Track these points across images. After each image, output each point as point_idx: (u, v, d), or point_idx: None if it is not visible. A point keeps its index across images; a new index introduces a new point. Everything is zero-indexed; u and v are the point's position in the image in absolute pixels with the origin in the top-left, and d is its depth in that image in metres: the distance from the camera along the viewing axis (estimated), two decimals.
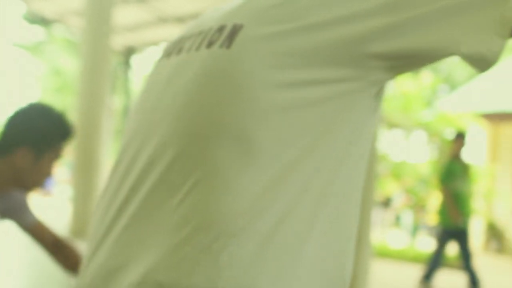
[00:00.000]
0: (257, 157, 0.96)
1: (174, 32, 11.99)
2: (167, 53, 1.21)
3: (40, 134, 2.21)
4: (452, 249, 8.64)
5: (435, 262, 7.67)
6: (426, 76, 16.44)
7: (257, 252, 0.94)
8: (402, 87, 15.06)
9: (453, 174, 7.48)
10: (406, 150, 14.39)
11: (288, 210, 0.96)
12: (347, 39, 0.96)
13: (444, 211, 7.45)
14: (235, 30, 1.05)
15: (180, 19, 11.90)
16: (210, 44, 1.07)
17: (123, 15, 11.83)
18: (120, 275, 1.02)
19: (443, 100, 17.73)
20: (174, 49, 1.19)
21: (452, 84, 26.10)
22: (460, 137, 7.69)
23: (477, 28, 0.93)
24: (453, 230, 7.45)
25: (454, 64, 27.25)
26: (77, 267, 2.43)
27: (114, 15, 9.95)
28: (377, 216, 18.04)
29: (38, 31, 25.70)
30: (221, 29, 1.08)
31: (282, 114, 0.97)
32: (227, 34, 1.05)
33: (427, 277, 7.65)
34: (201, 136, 1.00)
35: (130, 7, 11.52)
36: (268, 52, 1.00)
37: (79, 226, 10.28)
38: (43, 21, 14.31)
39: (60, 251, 2.46)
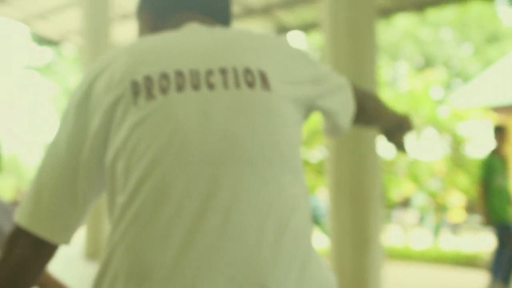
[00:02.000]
0: (299, 174, 1.33)
1: None
2: (179, 87, 1.29)
3: None
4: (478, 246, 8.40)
5: (500, 262, 7.25)
6: (434, 73, 16.25)
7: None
8: (409, 86, 14.89)
9: (493, 170, 7.30)
10: (418, 149, 14.22)
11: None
12: (308, 96, 1.43)
13: (493, 208, 7.20)
14: (264, 75, 1.34)
15: None
16: (251, 85, 1.31)
17: (122, 31, 11.78)
18: None
19: (454, 95, 17.56)
20: (184, 84, 1.29)
21: (465, 79, 25.84)
22: (499, 131, 7.49)
23: (348, 107, 1.58)
24: (505, 224, 7.19)
25: (466, 58, 27.02)
26: None
27: (113, 31, 9.90)
28: (397, 217, 17.85)
29: (47, 52, 25.82)
30: (248, 71, 1.33)
31: (298, 143, 1.37)
32: (260, 78, 1.33)
33: (505, 279, 7.20)
34: (266, 163, 1.26)
35: (130, 22, 11.46)
36: (290, 97, 1.37)
37: (94, 247, 10.22)
38: (50, 42, 14.30)
39: None
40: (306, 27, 11.57)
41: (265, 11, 10.66)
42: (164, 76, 1.30)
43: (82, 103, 1.33)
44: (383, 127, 1.85)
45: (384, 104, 1.80)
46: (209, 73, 1.31)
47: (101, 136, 1.31)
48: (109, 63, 1.36)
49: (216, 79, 1.31)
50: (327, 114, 1.53)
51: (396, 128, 1.86)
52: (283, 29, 11.24)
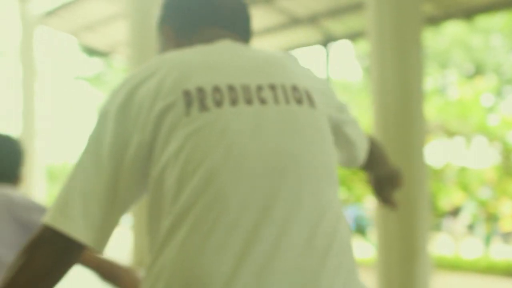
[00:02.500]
0: (337, 187, 1.39)
1: None
2: (233, 101, 1.32)
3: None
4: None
5: None
6: (484, 80, 16.03)
7: None
8: (459, 94, 14.71)
9: None
10: (468, 157, 14.06)
11: None
12: (337, 119, 1.54)
13: None
14: (309, 93, 1.41)
15: None
16: (299, 102, 1.38)
17: None
18: None
19: (505, 102, 17.30)
20: (237, 98, 1.33)
21: None
22: None
23: (364, 141, 1.72)
24: None
25: None
26: None
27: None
28: (447, 226, 17.62)
29: (97, 62, 26.13)
30: (295, 88, 1.40)
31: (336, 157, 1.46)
32: (306, 95, 1.40)
33: None
34: (316, 176, 1.33)
35: None
36: (327, 117, 1.46)
37: (140, 257, 10.28)
38: (100, 53, 14.47)
39: None
40: (353, 36, 11.49)
41: (312, 20, 10.62)
42: (216, 89, 1.33)
43: (124, 107, 1.33)
44: (376, 175, 1.91)
45: (384, 150, 1.89)
46: (259, 88, 1.36)
47: (146, 143, 1.31)
48: (154, 71, 1.36)
49: (267, 94, 1.35)
50: (348, 143, 1.63)
51: (387, 181, 1.90)
52: (330, 38, 11.19)
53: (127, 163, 1.31)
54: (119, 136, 1.31)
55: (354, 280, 1.31)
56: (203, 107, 1.30)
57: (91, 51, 20.99)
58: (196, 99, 1.31)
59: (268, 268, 1.20)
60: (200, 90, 1.32)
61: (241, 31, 1.61)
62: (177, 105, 1.30)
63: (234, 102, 1.32)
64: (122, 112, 1.33)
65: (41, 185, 12.44)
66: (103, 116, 1.35)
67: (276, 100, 1.36)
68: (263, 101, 1.34)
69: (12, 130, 13.58)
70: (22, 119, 12.31)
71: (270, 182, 1.27)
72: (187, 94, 1.31)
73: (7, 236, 2.52)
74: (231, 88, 1.34)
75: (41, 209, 2.60)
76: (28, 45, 12.51)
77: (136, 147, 1.30)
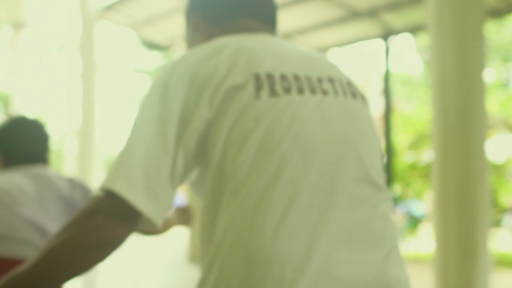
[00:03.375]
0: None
1: None
2: (299, 90, 1.37)
3: None
4: None
5: None
6: None
7: None
8: None
9: None
10: None
11: None
12: None
13: None
14: (359, 89, 1.50)
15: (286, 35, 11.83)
16: (354, 96, 1.45)
17: None
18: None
19: None
20: (303, 87, 1.38)
21: None
22: None
23: None
24: None
25: None
26: None
27: None
28: (508, 222, 17.29)
29: (156, 56, 26.36)
30: (349, 83, 1.48)
31: None
32: (358, 93, 1.49)
33: None
34: (371, 166, 1.40)
35: None
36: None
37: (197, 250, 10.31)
38: (159, 47, 14.55)
39: None
40: (414, 29, 11.35)
41: (372, 13, 10.50)
42: (283, 77, 1.38)
43: (187, 81, 1.33)
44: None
45: None
46: (320, 80, 1.42)
47: (208, 119, 1.31)
48: (217, 50, 1.38)
49: (327, 86, 1.42)
50: None
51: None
52: (390, 32, 11.06)
53: (188, 138, 1.30)
54: (183, 110, 1.31)
55: (402, 261, 1.38)
56: (273, 92, 1.34)
57: (151, 45, 21.21)
58: (266, 84, 1.34)
59: (337, 249, 1.25)
60: (270, 76, 1.36)
61: (271, 21, 1.65)
62: (247, 87, 1.33)
63: (300, 90, 1.37)
64: (186, 85, 1.33)
65: (100, 176, 12.60)
66: (162, 88, 1.33)
67: (335, 92, 1.42)
68: (324, 92, 1.40)
69: (72, 122, 13.78)
70: (82, 112, 12.47)
71: (335, 168, 1.32)
72: (257, 77, 1.34)
73: (54, 211, 2.58)
74: (296, 77, 1.39)
75: (82, 187, 2.69)
76: (88, 39, 12.67)
77: (198, 122, 1.31)
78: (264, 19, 1.63)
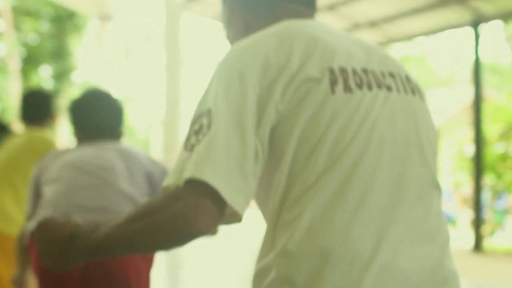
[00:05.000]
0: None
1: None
2: (369, 85, 1.35)
3: None
4: None
5: None
6: None
7: None
8: None
9: None
10: None
11: None
12: None
13: None
14: (417, 85, 1.48)
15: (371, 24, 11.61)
16: (413, 92, 1.44)
17: None
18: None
19: None
20: (371, 82, 1.36)
21: None
22: None
23: None
24: None
25: None
26: None
27: None
28: None
29: None
30: (408, 79, 1.46)
31: None
32: (416, 87, 1.47)
33: None
34: (433, 163, 1.42)
35: (320, 15, 11.40)
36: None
37: None
38: None
39: None
40: (505, 16, 11.02)
41: (462, 0, 10.24)
42: (354, 72, 1.36)
43: (261, 70, 1.29)
44: None
45: None
46: (383, 75, 1.40)
47: (279, 110, 1.28)
48: (281, 38, 1.34)
49: (390, 81, 1.40)
50: None
51: None
52: (480, 19, 10.75)
53: (263, 128, 1.27)
54: (258, 99, 1.27)
55: (453, 260, 1.41)
56: (347, 88, 1.32)
57: None
58: (340, 79, 1.32)
59: (401, 245, 1.27)
60: (343, 71, 1.34)
61: (312, 5, 1.59)
62: (323, 81, 1.30)
63: (370, 86, 1.35)
64: (259, 73, 1.29)
65: None
66: (237, 77, 1.29)
67: (397, 88, 1.41)
68: (388, 88, 1.39)
69: (157, 113, 13.96)
70: (167, 102, 12.58)
71: (402, 167, 1.33)
72: (332, 72, 1.32)
73: (141, 186, 2.66)
74: (365, 72, 1.37)
75: (160, 166, 2.77)
76: (172, 30, 12.77)
77: (271, 112, 1.27)
78: (305, 2, 1.57)
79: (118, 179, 2.57)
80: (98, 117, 2.83)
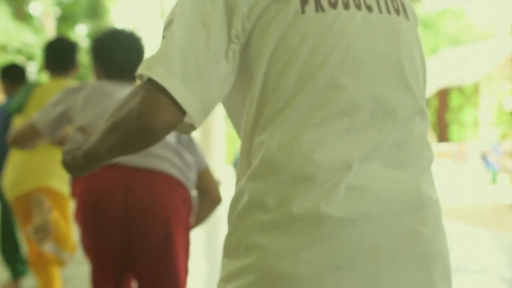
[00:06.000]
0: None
1: None
2: (345, 5, 1.31)
3: None
4: None
5: None
6: None
7: None
8: None
9: None
10: None
11: None
12: None
13: None
14: (404, 5, 1.43)
15: None
16: (397, 12, 1.39)
17: None
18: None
19: None
20: (349, 1, 1.32)
21: None
22: None
23: None
24: None
25: None
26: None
27: None
28: None
29: None
30: None
31: None
32: (402, 7, 1.42)
33: None
34: (415, 85, 1.39)
35: None
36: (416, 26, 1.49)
37: None
38: None
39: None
40: None
41: None
42: None
43: None
44: None
45: None
46: None
47: (246, 28, 1.28)
48: None
49: (371, 2, 1.36)
50: None
51: None
52: None
53: (236, 32, 1.27)
54: (227, 7, 1.27)
55: (435, 187, 1.41)
56: (319, 7, 1.29)
57: None
58: None
59: (375, 166, 1.28)
60: None
61: None
62: (292, 1, 1.28)
63: (346, 5, 1.32)
64: None
65: (221, 150, 12.86)
66: None
67: (379, 8, 1.36)
68: (369, 8, 1.35)
69: None
70: None
71: (378, 89, 1.31)
72: None
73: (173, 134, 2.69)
74: None
75: None
76: None
77: (238, 23, 1.27)
78: None
79: None
80: (120, 56, 2.81)
